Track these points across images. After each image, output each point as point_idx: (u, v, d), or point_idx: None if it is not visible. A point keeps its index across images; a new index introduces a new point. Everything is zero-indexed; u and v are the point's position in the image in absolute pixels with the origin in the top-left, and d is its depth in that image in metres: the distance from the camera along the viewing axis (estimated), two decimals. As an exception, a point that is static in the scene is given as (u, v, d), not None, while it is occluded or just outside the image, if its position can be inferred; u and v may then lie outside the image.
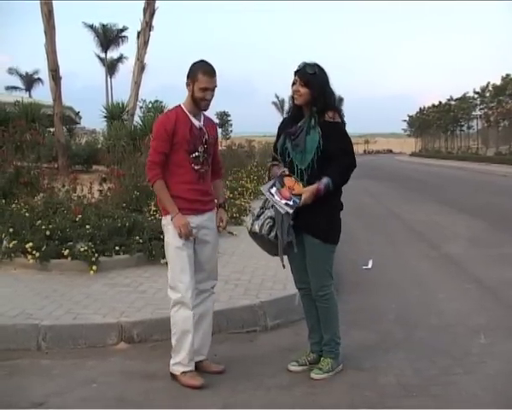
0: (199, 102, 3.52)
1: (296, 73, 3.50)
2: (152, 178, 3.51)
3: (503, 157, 39.80)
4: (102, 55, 60.83)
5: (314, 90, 3.45)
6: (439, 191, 17.50)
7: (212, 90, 3.54)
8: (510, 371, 3.63)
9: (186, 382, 3.46)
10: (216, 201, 3.76)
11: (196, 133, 3.53)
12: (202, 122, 3.60)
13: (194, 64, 3.54)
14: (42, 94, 66.51)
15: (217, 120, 72.44)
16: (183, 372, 3.49)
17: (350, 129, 3.66)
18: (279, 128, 3.66)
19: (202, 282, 3.65)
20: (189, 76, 3.52)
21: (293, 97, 3.53)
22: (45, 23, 14.59)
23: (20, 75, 62.12)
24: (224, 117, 72.96)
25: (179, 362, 3.51)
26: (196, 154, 3.52)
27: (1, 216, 6.82)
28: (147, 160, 3.60)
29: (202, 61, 3.55)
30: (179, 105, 3.59)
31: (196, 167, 3.53)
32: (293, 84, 3.50)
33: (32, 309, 4.52)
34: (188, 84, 3.52)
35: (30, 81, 62.46)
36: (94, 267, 5.70)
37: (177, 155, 3.49)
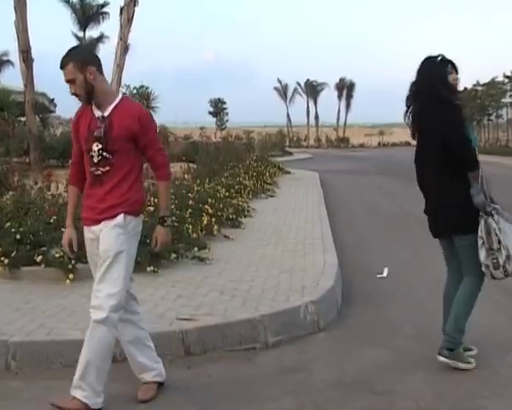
0: None
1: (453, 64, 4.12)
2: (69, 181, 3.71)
3: (537, 151, 39.77)
4: (80, 34, 60.56)
5: None
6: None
7: (70, 82, 3.32)
8: (545, 394, 3.63)
9: None
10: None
11: (93, 127, 3.39)
12: (109, 112, 3.39)
13: None
14: (12, 78, 66.01)
15: (203, 111, 72.16)
16: None
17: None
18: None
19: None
20: None
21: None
22: (15, -2, 14.62)
23: (-13, 57, 62.11)
24: (218, 105, 72.96)
25: None
26: (91, 153, 3.40)
27: (-35, 217, 6.82)
28: None
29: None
30: None
31: (91, 169, 3.44)
32: (450, 73, 4.08)
33: (1, 323, 4.52)
34: None
35: (-2, 64, 62.46)
36: (70, 276, 5.69)
37: (85, 156, 3.48)
